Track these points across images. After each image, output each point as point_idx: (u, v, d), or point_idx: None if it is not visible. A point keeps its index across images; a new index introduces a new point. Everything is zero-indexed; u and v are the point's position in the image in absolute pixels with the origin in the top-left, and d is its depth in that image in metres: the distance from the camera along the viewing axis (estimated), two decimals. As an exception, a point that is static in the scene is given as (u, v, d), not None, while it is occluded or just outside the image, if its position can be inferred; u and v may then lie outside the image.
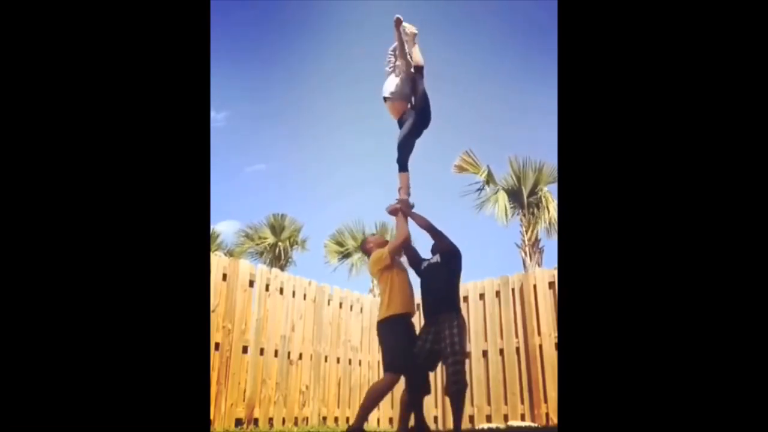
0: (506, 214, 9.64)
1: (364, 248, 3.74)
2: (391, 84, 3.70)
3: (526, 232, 9.71)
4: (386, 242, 3.61)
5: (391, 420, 5.62)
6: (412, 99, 3.66)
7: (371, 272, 3.44)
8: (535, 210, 9.77)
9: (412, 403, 3.10)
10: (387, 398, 5.52)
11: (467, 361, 3.05)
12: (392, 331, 3.06)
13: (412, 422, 3.12)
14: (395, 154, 3.58)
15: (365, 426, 4.23)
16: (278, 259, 12.31)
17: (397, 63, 3.72)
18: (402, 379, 3.06)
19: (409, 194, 3.50)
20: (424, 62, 3.73)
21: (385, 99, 3.70)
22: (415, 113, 3.58)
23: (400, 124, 3.64)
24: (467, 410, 5.23)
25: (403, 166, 3.56)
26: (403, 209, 3.39)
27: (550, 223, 9.47)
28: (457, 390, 2.84)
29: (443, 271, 3.15)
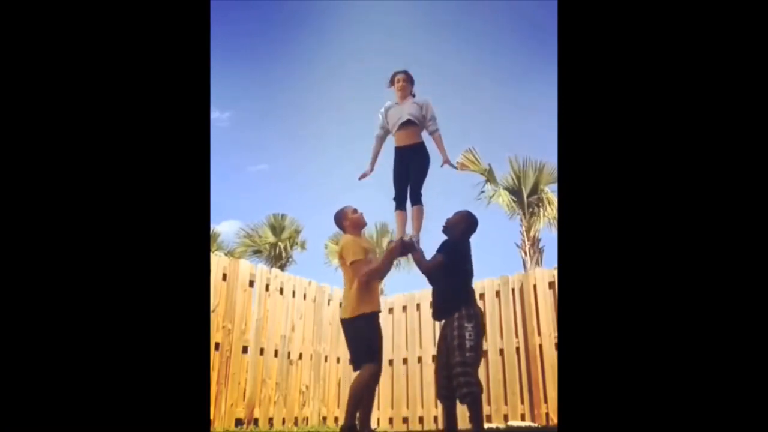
0: (510, 207, 9.70)
1: (339, 222, 3.34)
2: (413, 108, 3.36)
3: (526, 232, 9.71)
4: (363, 224, 3.35)
5: (391, 420, 5.62)
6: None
7: (340, 257, 3.18)
8: (536, 209, 9.77)
9: (366, 398, 3.01)
10: (388, 398, 5.53)
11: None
12: (361, 328, 2.98)
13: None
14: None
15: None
16: (278, 258, 12.32)
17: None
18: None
19: (409, 233, 3.25)
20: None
21: (408, 122, 3.32)
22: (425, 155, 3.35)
23: (404, 154, 3.33)
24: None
25: (400, 203, 3.33)
26: (397, 249, 3.18)
27: (551, 219, 9.46)
28: (468, 393, 2.71)
29: (445, 271, 3.05)
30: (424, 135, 3.42)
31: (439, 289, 3.06)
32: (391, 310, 5.95)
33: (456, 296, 2.97)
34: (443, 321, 3.00)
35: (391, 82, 3.48)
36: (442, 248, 3.09)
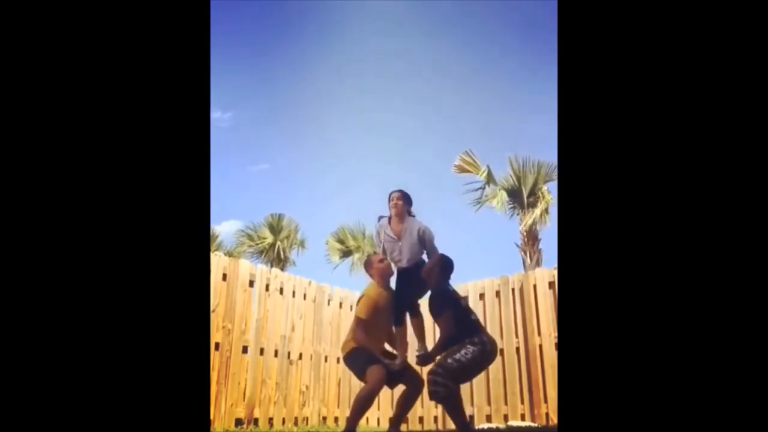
0: (506, 207, 9.71)
1: (367, 270, 3.42)
2: (411, 249, 3.29)
3: (526, 232, 9.71)
4: (390, 272, 3.33)
5: (391, 420, 5.62)
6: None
7: (358, 300, 3.23)
8: (534, 209, 9.78)
9: (406, 407, 3.12)
10: (388, 398, 5.53)
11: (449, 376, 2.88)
12: (354, 358, 3.06)
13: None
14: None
15: (365, 427, 4.21)
16: (279, 259, 12.32)
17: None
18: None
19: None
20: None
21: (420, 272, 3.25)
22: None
23: (406, 274, 3.30)
24: (467, 410, 5.23)
25: (400, 319, 3.28)
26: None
27: (543, 211, 9.44)
28: (433, 392, 2.81)
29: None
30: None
31: (450, 335, 2.99)
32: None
33: (463, 332, 2.96)
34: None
35: (389, 201, 3.39)
36: (437, 305, 3.08)
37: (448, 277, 3.18)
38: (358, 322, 3.11)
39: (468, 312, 3.10)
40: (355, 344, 3.09)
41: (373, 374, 2.94)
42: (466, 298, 3.20)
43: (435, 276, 3.12)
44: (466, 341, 2.89)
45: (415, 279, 3.23)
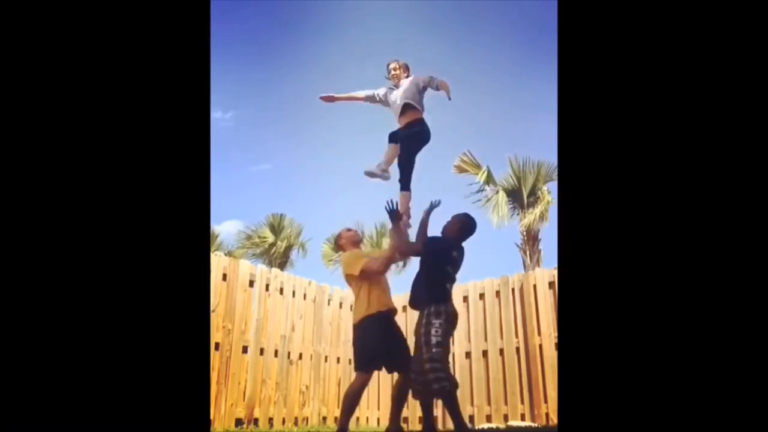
0: (505, 218, 9.64)
1: (338, 244, 3.61)
2: (408, 90, 3.50)
3: (526, 232, 9.69)
4: (359, 239, 3.56)
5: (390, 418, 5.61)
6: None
7: (343, 272, 3.26)
8: (534, 209, 9.76)
9: (402, 399, 3.09)
10: (388, 398, 5.53)
11: (450, 357, 2.91)
12: (366, 330, 3.01)
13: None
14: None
15: (365, 426, 4.21)
16: (279, 259, 12.31)
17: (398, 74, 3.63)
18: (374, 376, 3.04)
19: (409, 216, 3.33)
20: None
21: (405, 107, 3.44)
22: (423, 127, 3.43)
23: (399, 135, 3.47)
24: (467, 410, 5.23)
25: (406, 184, 3.38)
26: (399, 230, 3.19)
27: (543, 211, 9.42)
28: (440, 388, 2.72)
29: (425, 265, 3.10)
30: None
31: (417, 280, 3.08)
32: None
33: (429, 292, 2.96)
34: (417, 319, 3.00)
35: (387, 73, 3.69)
36: (428, 242, 3.12)
37: (463, 239, 3.15)
38: (354, 279, 3.13)
39: (448, 278, 3.02)
40: (370, 310, 3.04)
41: (359, 377, 2.96)
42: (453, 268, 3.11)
43: (453, 231, 3.13)
44: (432, 311, 2.84)
45: (412, 133, 3.37)
